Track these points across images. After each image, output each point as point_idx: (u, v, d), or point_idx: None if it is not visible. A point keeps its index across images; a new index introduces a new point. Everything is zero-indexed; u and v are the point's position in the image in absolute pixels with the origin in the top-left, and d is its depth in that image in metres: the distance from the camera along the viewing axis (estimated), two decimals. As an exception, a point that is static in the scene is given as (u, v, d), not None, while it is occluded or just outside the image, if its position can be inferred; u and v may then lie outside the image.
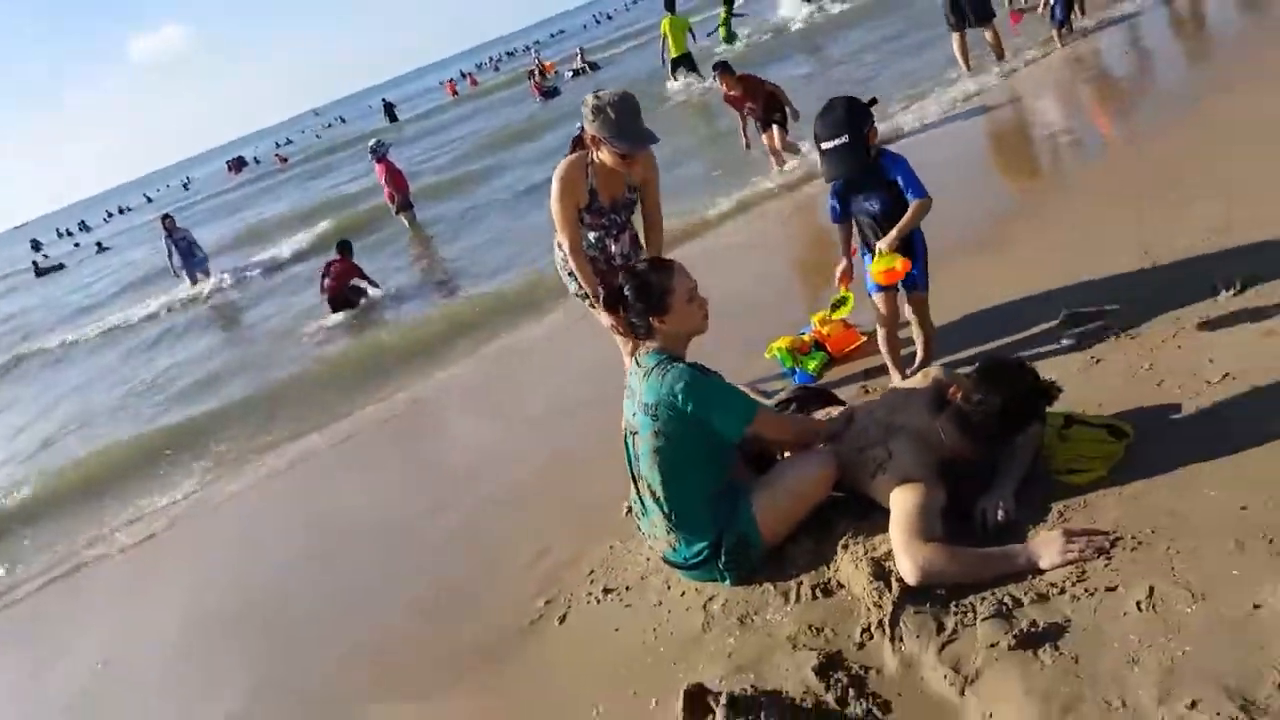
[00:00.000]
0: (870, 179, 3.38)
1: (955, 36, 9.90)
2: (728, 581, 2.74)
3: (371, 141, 14.51)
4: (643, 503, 2.83)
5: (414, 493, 4.70)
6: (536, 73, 30.82)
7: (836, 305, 4.10)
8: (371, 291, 10.19)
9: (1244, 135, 5.01)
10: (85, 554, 5.56)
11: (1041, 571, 2.29)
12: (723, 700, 2.04)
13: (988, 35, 9.76)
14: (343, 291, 9.98)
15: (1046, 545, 2.33)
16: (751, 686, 2.22)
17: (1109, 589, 2.16)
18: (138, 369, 11.45)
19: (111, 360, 12.68)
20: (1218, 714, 1.76)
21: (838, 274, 3.68)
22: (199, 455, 6.60)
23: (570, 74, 30.35)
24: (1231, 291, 3.37)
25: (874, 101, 3.42)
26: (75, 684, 4.03)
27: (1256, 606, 1.97)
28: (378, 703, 3.00)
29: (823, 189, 3.61)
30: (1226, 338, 3.10)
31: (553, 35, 77.21)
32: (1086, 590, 2.19)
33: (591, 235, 3.82)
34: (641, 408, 2.72)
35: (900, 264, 3.29)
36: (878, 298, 3.57)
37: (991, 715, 1.97)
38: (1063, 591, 2.21)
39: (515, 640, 2.97)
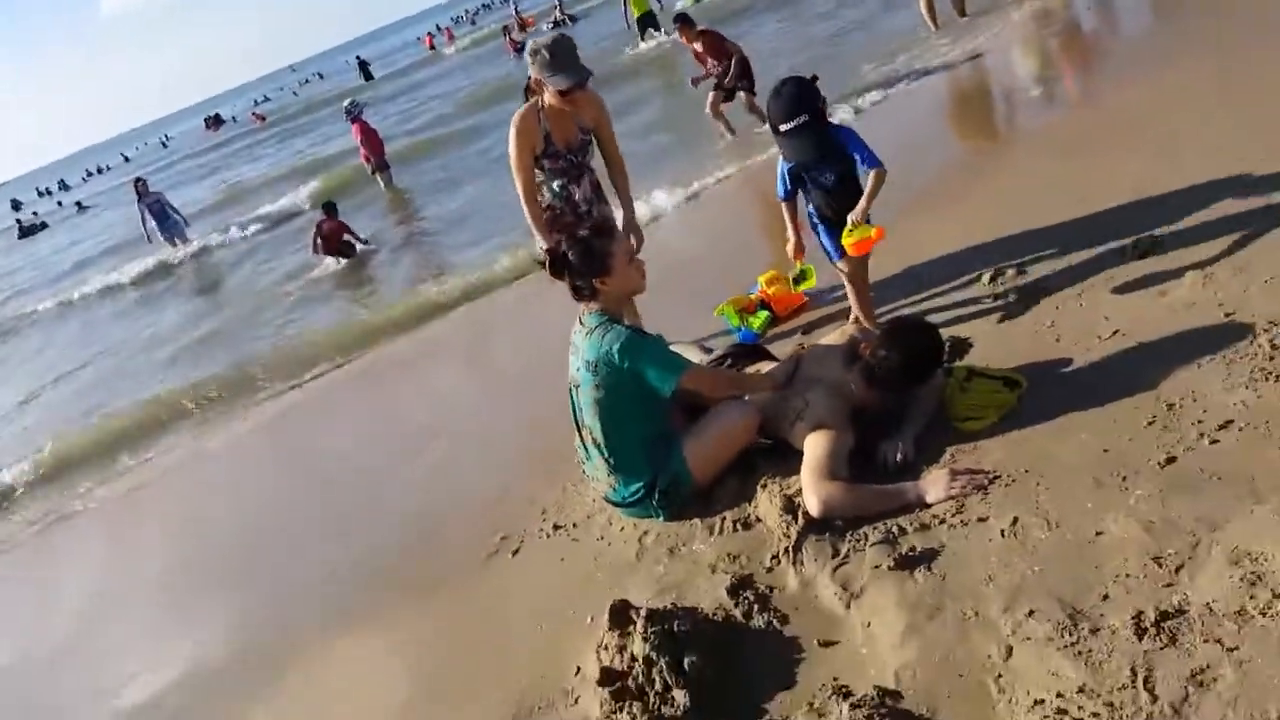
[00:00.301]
0: (825, 153, 3.52)
1: None
2: (661, 517, 3.05)
3: (346, 102, 14.53)
4: (586, 449, 3.12)
5: (390, 443, 4.98)
6: (514, 27, 30.49)
7: (799, 279, 4.28)
8: (360, 246, 10.62)
9: (1198, 98, 5.08)
10: (75, 505, 5.85)
11: (928, 505, 2.61)
12: (643, 613, 2.36)
13: None
14: (336, 247, 10.53)
15: (933, 482, 2.65)
16: (672, 604, 2.55)
17: (980, 519, 2.48)
18: (115, 333, 11.62)
19: (89, 325, 12.85)
20: (1048, 620, 2.08)
21: (790, 251, 3.86)
22: (183, 414, 6.86)
23: (549, 26, 30.07)
24: (1139, 252, 3.61)
25: (815, 78, 3.60)
26: (71, 618, 4.36)
27: (1099, 533, 2.28)
28: (347, 629, 3.31)
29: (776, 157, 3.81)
30: (1125, 298, 3.36)
31: (530, -14, 75.45)
32: (962, 521, 2.50)
33: (555, 184, 3.99)
34: (584, 364, 3.00)
35: (875, 233, 3.45)
36: (841, 263, 3.74)
37: (870, 624, 2.31)
38: (943, 522, 2.53)
39: (473, 571, 3.29)
